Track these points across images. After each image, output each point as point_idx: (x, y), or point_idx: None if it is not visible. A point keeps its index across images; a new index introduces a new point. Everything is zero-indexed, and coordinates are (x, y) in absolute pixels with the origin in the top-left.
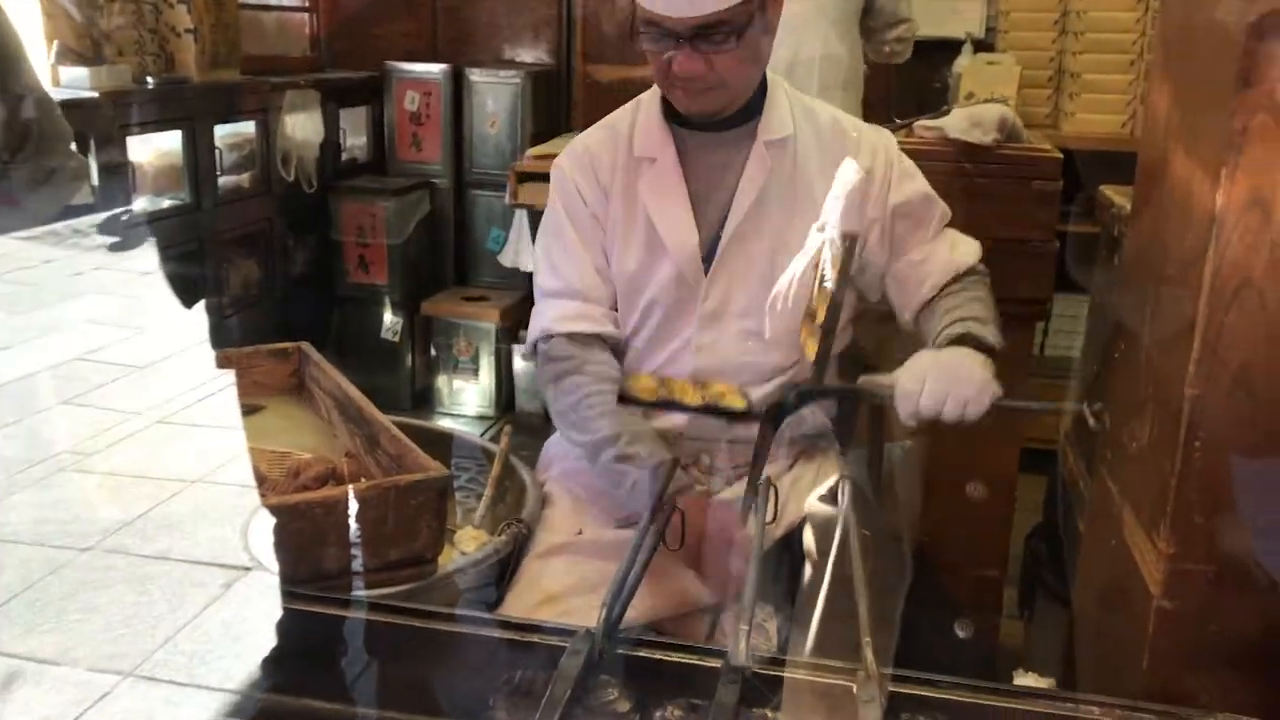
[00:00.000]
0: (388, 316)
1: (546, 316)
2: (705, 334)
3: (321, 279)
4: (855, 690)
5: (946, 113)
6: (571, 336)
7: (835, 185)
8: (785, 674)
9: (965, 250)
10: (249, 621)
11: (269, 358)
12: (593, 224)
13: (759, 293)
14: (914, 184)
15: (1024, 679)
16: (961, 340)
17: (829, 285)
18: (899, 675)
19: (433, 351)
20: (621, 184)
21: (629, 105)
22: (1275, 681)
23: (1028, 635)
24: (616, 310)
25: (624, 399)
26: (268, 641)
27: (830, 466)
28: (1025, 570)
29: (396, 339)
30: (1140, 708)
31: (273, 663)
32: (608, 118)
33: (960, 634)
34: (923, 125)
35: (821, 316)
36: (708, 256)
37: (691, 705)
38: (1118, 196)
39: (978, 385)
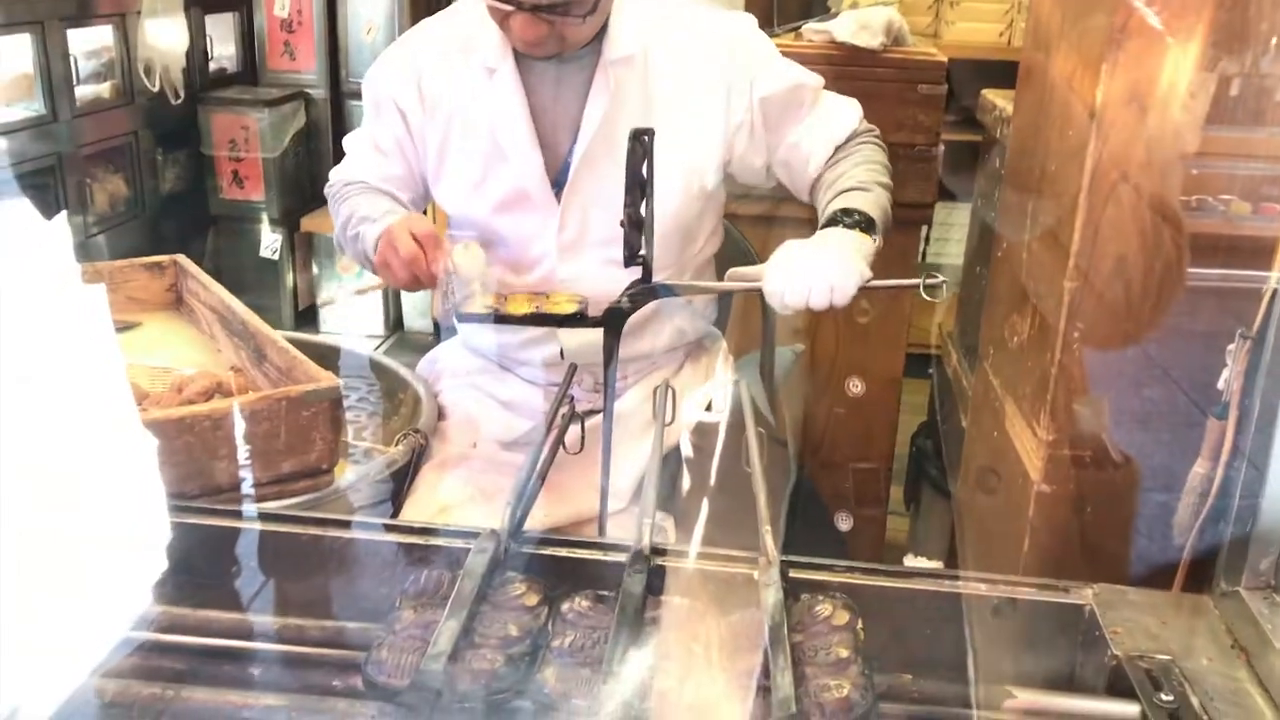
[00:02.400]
0: (266, 234)
1: (340, 168)
2: (566, 266)
3: (194, 196)
4: (757, 576)
5: (834, 16)
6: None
7: (691, 102)
8: (688, 564)
9: (842, 119)
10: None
11: (143, 272)
12: (404, 137)
13: (619, 219)
14: (777, 72)
15: (914, 563)
16: (833, 220)
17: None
18: (798, 562)
19: (315, 269)
20: (454, 93)
21: (470, 2)
22: (1145, 555)
23: (914, 527)
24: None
25: (462, 318)
26: (161, 557)
27: (719, 368)
28: (911, 467)
29: (276, 256)
30: (1024, 582)
31: (167, 579)
32: (446, 13)
33: (841, 526)
34: (811, 29)
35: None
36: (558, 182)
37: (599, 596)
38: (1000, 99)
39: (841, 272)
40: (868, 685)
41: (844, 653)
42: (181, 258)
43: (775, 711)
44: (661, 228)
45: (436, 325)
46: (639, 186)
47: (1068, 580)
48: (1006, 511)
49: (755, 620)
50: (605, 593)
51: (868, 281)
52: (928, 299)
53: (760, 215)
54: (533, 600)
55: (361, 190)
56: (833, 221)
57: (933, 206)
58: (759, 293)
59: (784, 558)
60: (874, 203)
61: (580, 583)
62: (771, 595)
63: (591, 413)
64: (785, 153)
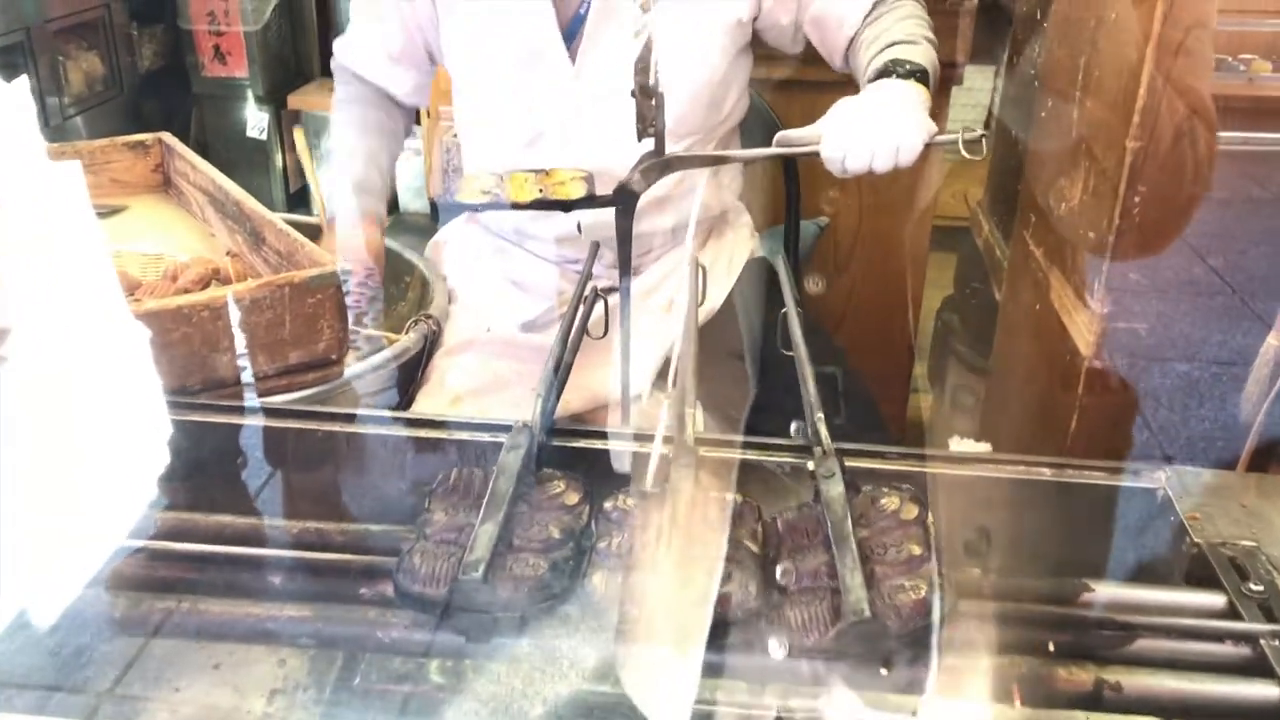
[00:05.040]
0: (252, 112)
1: (345, 44)
2: (581, 134)
3: (175, 74)
4: (813, 466)
5: None
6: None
7: None
8: (737, 455)
9: None
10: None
11: (126, 151)
12: (406, 4)
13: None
14: None
15: (960, 445)
16: (886, 72)
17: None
18: (854, 450)
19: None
20: None
21: None
22: (1206, 433)
23: (939, 405)
24: (418, 78)
25: (462, 205)
26: (165, 459)
27: (744, 243)
28: (937, 342)
29: (264, 136)
30: (1092, 465)
31: (173, 479)
32: None
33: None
34: None
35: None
36: (570, 36)
37: (643, 494)
38: None
39: (906, 128)
40: (945, 585)
41: (916, 549)
42: (167, 136)
43: (847, 615)
44: (687, 91)
45: (434, 206)
46: (649, 48)
47: (1124, 461)
48: (1050, 388)
49: (813, 514)
50: (650, 490)
51: (933, 137)
52: (966, 156)
53: (786, 80)
54: (573, 499)
55: (349, 111)
56: (885, 73)
57: (963, 67)
58: (785, 160)
59: (839, 446)
60: (924, 55)
61: (623, 476)
62: (833, 488)
63: (611, 290)
64: (818, 12)
